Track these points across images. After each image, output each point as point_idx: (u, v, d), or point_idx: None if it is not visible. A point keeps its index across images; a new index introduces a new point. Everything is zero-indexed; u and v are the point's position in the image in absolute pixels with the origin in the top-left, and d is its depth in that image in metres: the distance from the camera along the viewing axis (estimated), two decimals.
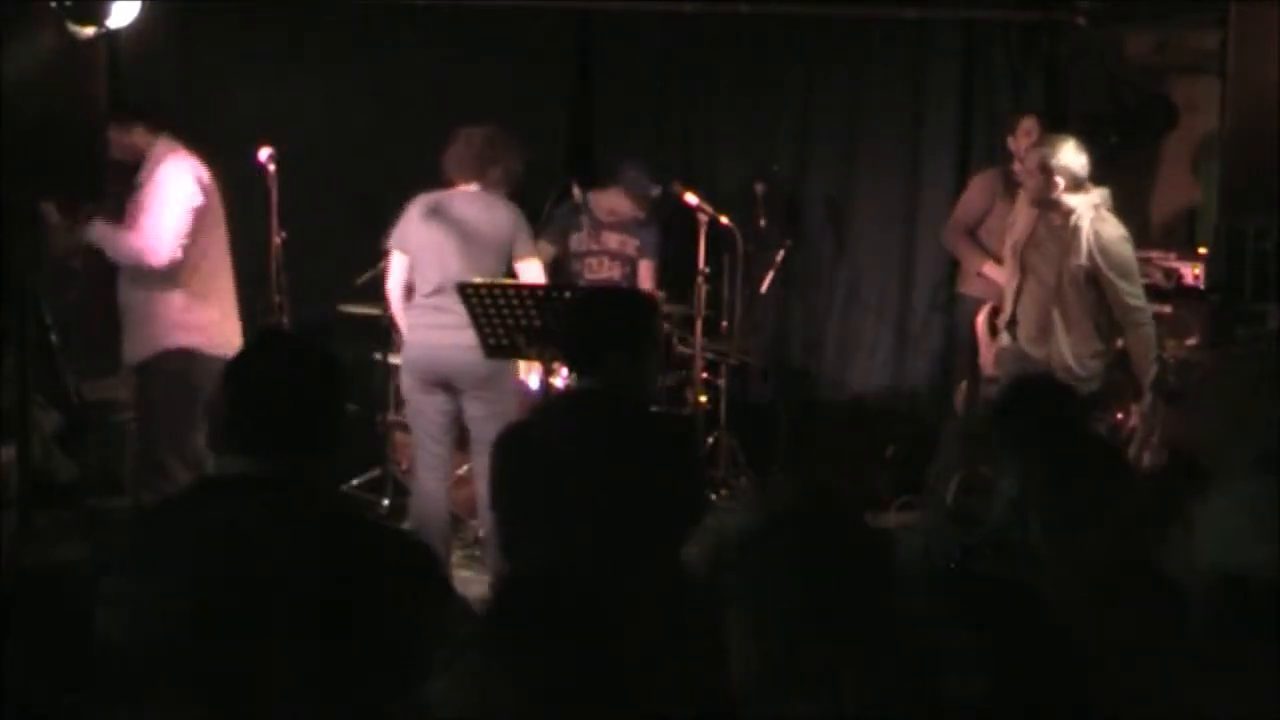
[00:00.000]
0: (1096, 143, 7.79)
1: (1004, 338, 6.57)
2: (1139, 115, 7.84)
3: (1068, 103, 7.99)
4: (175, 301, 5.96)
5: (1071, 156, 6.23)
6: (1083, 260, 6.19)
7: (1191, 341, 6.96)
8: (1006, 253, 6.58)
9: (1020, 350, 6.49)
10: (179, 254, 5.87)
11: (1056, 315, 6.30)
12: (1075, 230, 6.20)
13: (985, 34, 8.08)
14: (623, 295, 5.91)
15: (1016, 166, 7.05)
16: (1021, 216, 6.49)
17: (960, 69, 8.07)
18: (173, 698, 2.60)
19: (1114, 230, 6.25)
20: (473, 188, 6.14)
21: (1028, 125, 7.27)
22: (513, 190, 6.25)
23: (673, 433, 4.43)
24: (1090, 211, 6.22)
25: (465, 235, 6.05)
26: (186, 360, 5.92)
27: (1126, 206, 7.99)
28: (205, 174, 5.99)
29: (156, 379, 6.02)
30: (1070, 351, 6.30)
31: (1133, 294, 6.27)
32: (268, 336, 3.61)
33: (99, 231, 5.85)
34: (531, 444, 4.14)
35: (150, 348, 5.99)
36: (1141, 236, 7.90)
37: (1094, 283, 6.23)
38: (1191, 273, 7.32)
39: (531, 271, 6.11)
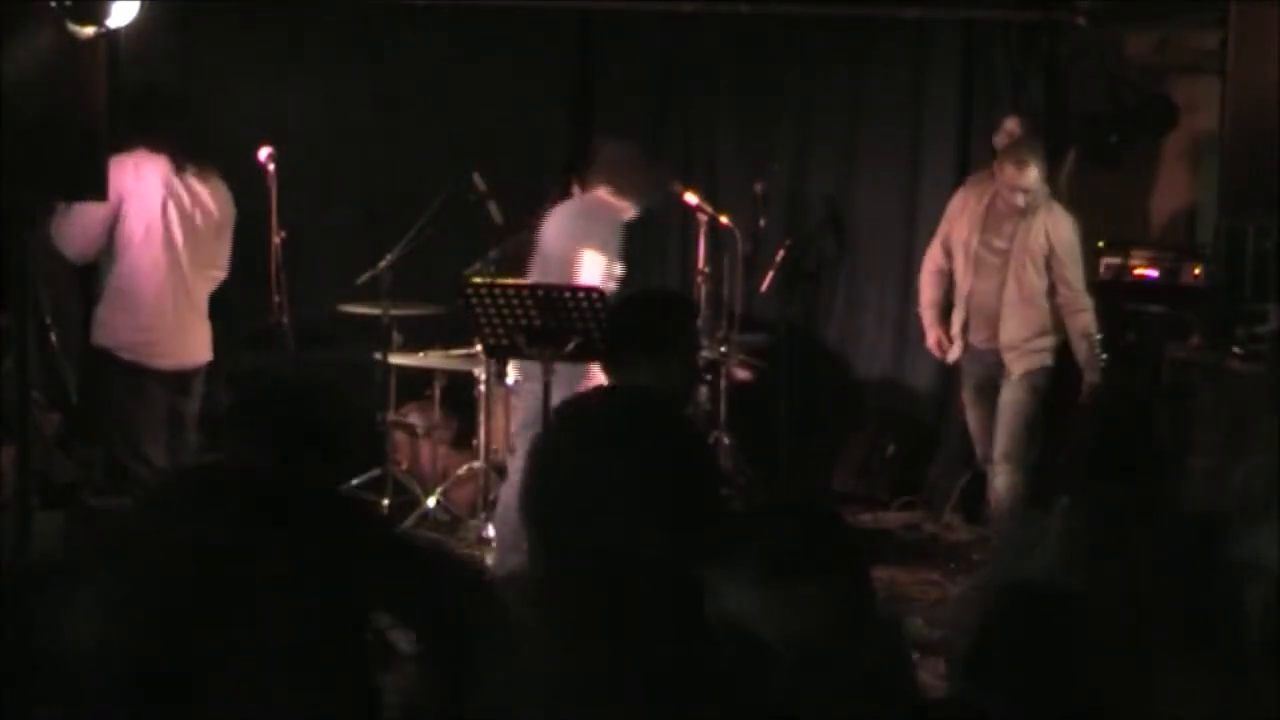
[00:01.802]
0: (1096, 143, 7.82)
1: (959, 345, 6.66)
2: (1139, 115, 7.82)
3: (1068, 103, 7.98)
4: (102, 300, 6.01)
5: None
6: (1041, 238, 6.41)
7: (1192, 341, 6.97)
8: (959, 256, 6.66)
9: (975, 351, 6.60)
10: (89, 249, 5.88)
11: (1011, 290, 6.42)
12: (1034, 210, 6.43)
13: (985, 34, 8.06)
14: (652, 297, 5.77)
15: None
16: (965, 217, 6.62)
17: (960, 69, 8.06)
18: (141, 696, 2.63)
19: (1067, 217, 6.51)
20: (597, 193, 6.21)
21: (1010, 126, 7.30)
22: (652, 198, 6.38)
23: (682, 436, 4.42)
24: (1043, 199, 6.47)
25: (541, 249, 6.19)
26: (100, 359, 5.97)
27: (1126, 206, 8.01)
28: (132, 178, 5.85)
29: (94, 377, 6.09)
30: (1023, 329, 6.46)
31: (1079, 278, 6.51)
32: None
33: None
34: (551, 443, 4.22)
35: (91, 344, 6.05)
36: (1141, 236, 7.92)
37: (1046, 266, 6.44)
38: (1191, 273, 7.33)
39: (582, 269, 5.91)
